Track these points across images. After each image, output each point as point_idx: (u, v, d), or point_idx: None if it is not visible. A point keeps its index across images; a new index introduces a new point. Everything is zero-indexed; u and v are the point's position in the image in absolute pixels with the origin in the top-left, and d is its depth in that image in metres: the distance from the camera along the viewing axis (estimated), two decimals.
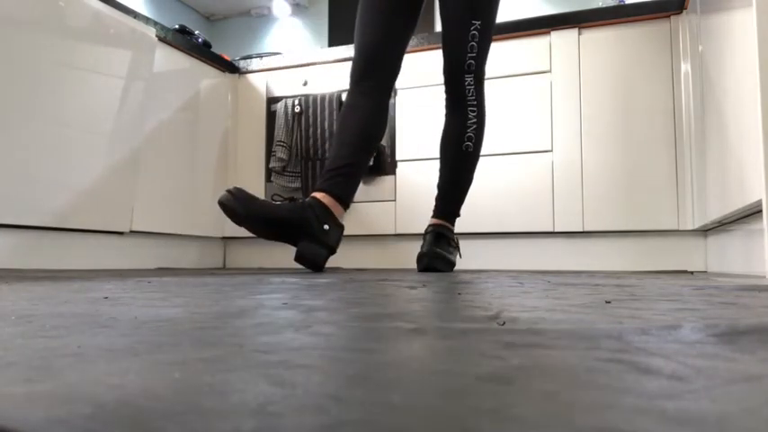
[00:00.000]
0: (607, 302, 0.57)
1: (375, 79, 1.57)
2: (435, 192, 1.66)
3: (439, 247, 1.58)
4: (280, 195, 1.71)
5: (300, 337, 0.33)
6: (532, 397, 0.19)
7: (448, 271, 1.58)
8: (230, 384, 0.20)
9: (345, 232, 2.26)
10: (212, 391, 0.19)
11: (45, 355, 0.26)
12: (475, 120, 1.61)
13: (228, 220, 1.42)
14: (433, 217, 1.65)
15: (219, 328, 0.37)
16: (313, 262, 1.46)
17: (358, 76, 1.57)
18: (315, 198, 1.47)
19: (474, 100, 1.60)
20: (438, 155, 1.68)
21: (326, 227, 1.45)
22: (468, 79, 1.57)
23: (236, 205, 1.36)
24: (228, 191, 1.39)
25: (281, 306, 0.53)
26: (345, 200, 1.51)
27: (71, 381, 0.20)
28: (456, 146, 1.62)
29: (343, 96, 2.23)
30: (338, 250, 1.55)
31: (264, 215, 1.39)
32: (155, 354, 0.27)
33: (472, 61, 1.55)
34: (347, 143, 1.52)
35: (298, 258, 1.45)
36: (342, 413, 0.16)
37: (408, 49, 2.19)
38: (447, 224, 1.63)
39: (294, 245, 1.46)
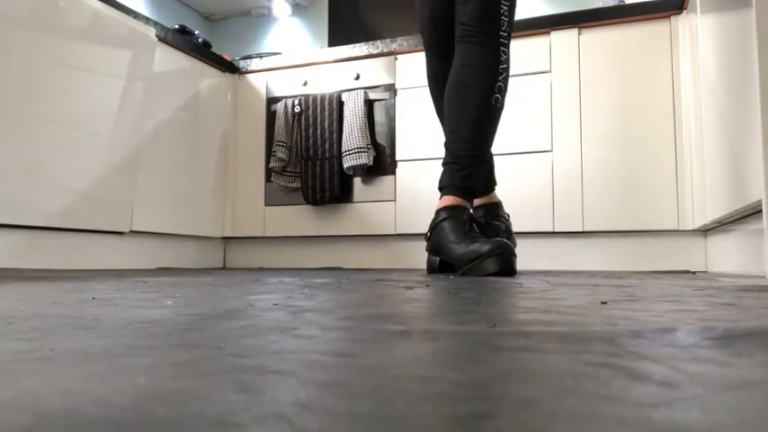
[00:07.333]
0: (603, 303, 0.56)
1: None
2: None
3: (512, 240, 1.37)
4: None
5: (283, 339, 0.32)
6: (512, 405, 0.19)
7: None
8: (194, 391, 0.19)
9: (345, 232, 2.27)
10: (172, 398, 0.18)
11: (13, 359, 0.26)
12: (506, 64, 1.35)
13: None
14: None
15: (202, 330, 0.36)
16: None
17: None
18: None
19: (506, 35, 1.34)
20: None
21: None
22: (504, 7, 1.34)
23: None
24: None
25: (270, 307, 0.52)
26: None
27: (27, 387, 0.20)
28: (481, 98, 1.33)
29: (343, 96, 2.23)
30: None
31: None
32: (127, 357, 0.26)
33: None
34: None
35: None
36: (304, 424, 0.15)
37: (408, 49, 2.19)
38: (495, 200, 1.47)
39: None
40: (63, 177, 1.69)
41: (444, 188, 1.38)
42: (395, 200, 2.16)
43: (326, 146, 2.22)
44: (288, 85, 2.37)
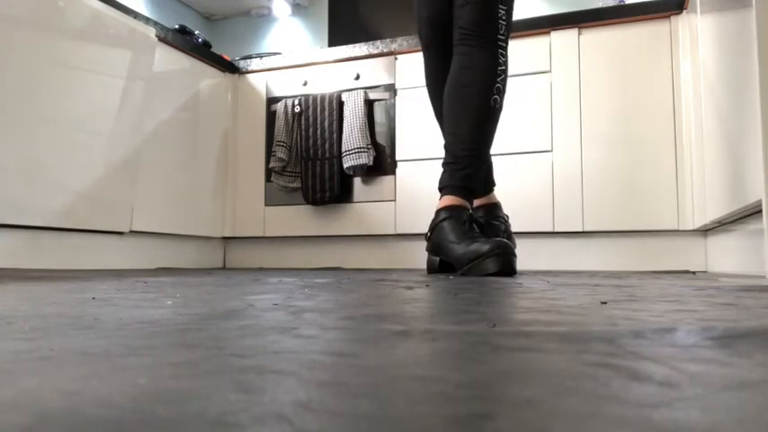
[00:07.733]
0: (603, 303, 0.56)
1: None
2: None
3: (512, 240, 1.39)
4: None
5: (283, 339, 0.32)
6: (512, 405, 0.19)
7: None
8: (194, 391, 0.19)
9: (345, 232, 2.27)
10: (172, 398, 0.18)
11: (13, 359, 0.26)
12: (504, 66, 1.36)
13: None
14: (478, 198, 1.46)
15: (201, 331, 0.36)
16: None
17: None
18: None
19: (504, 38, 1.35)
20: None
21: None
22: (502, 11, 1.34)
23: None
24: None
25: (270, 307, 0.52)
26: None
27: (27, 387, 0.20)
28: (480, 99, 1.34)
29: (343, 96, 2.23)
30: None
31: None
32: (127, 357, 0.26)
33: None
34: None
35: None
36: (304, 424, 0.15)
37: (408, 49, 2.19)
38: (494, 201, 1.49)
39: None
40: (63, 177, 1.69)
41: (444, 188, 1.38)
42: (395, 200, 2.16)
43: (326, 146, 2.22)
44: (288, 85, 2.37)
